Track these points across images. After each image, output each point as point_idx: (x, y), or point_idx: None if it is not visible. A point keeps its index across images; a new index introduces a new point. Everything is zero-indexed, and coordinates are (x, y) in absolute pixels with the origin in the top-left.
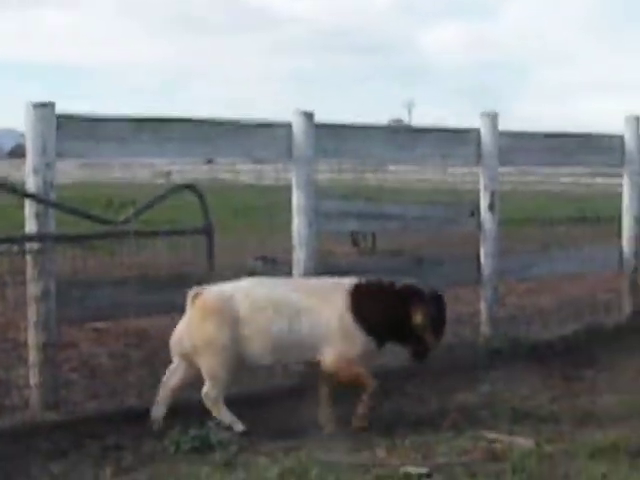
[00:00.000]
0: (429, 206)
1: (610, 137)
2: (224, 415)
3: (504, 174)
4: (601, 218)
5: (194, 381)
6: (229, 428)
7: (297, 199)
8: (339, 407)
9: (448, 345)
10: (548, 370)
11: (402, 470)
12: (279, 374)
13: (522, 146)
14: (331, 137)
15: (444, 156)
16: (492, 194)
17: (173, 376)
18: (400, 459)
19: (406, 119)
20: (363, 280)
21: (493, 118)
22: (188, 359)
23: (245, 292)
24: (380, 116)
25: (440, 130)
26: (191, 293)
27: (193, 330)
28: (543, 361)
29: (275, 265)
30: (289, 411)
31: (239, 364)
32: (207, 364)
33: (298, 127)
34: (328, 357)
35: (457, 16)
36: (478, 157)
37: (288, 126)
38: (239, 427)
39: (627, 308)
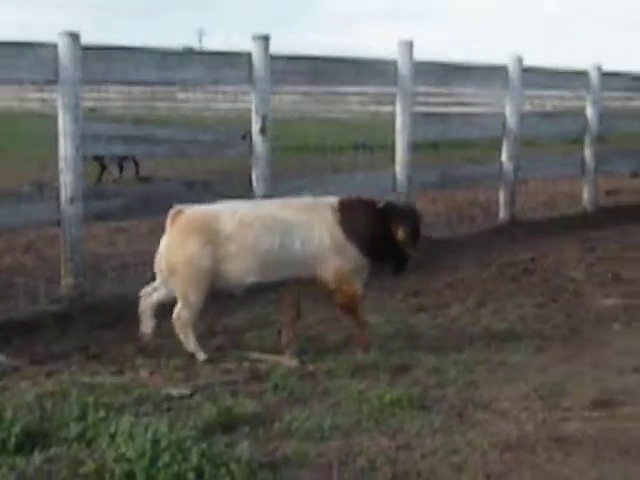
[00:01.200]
0: (200, 130)
1: (384, 62)
2: (190, 342)
3: (295, 102)
4: (376, 145)
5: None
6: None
7: (63, 122)
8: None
9: None
10: None
11: (164, 391)
12: (42, 300)
13: (295, 70)
14: (98, 60)
15: (215, 80)
16: (263, 118)
17: (154, 293)
18: (163, 380)
19: (197, 47)
20: (345, 197)
21: (264, 41)
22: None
23: (232, 209)
24: (173, 44)
25: (211, 53)
26: (172, 212)
27: (172, 250)
28: None
29: (43, 189)
30: (55, 337)
31: (221, 286)
32: (182, 285)
33: (64, 49)
34: (327, 273)
35: None
36: (249, 80)
37: (53, 47)
38: (201, 356)
39: None
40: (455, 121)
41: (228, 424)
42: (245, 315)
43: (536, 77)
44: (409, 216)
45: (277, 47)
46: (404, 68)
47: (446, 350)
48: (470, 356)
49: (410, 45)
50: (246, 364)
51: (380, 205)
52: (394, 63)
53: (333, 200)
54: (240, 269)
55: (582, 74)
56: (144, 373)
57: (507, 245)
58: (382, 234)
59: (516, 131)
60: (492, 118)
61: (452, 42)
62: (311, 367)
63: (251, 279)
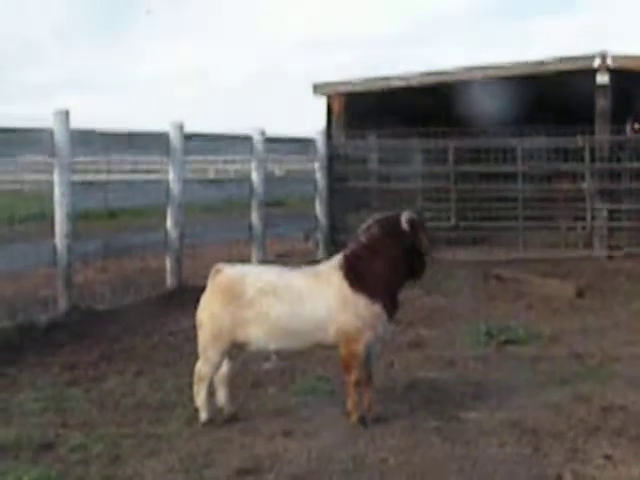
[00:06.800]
0: None
1: (39, 131)
2: (199, 396)
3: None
4: (33, 215)
5: None
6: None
7: None
8: None
9: None
10: None
11: None
12: None
13: None
14: None
15: None
16: None
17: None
18: None
19: None
20: (350, 247)
21: None
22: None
23: (255, 275)
24: None
25: None
26: (214, 269)
27: (202, 305)
28: None
29: None
30: None
31: (237, 348)
32: (203, 340)
33: None
34: (330, 333)
35: None
36: None
37: None
38: (203, 416)
39: (63, 304)
40: (117, 189)
41: None
42: None
43: (199, 143)
44: (406, 225)
45: None
46: (60, 137)
47: (95, 425)
48: (119, 430)
49: (66, 114)
50: None
51: (373, 234)
52: (50, 132)
53: (339, 256)
54: (257, 335)
55: (246, 139)
56: None
57: (172, 313)
58: (389, 259)
59: (180, 198)
60: (155, 185)
61: (123, 113)
62: None
63: (270, 347)
